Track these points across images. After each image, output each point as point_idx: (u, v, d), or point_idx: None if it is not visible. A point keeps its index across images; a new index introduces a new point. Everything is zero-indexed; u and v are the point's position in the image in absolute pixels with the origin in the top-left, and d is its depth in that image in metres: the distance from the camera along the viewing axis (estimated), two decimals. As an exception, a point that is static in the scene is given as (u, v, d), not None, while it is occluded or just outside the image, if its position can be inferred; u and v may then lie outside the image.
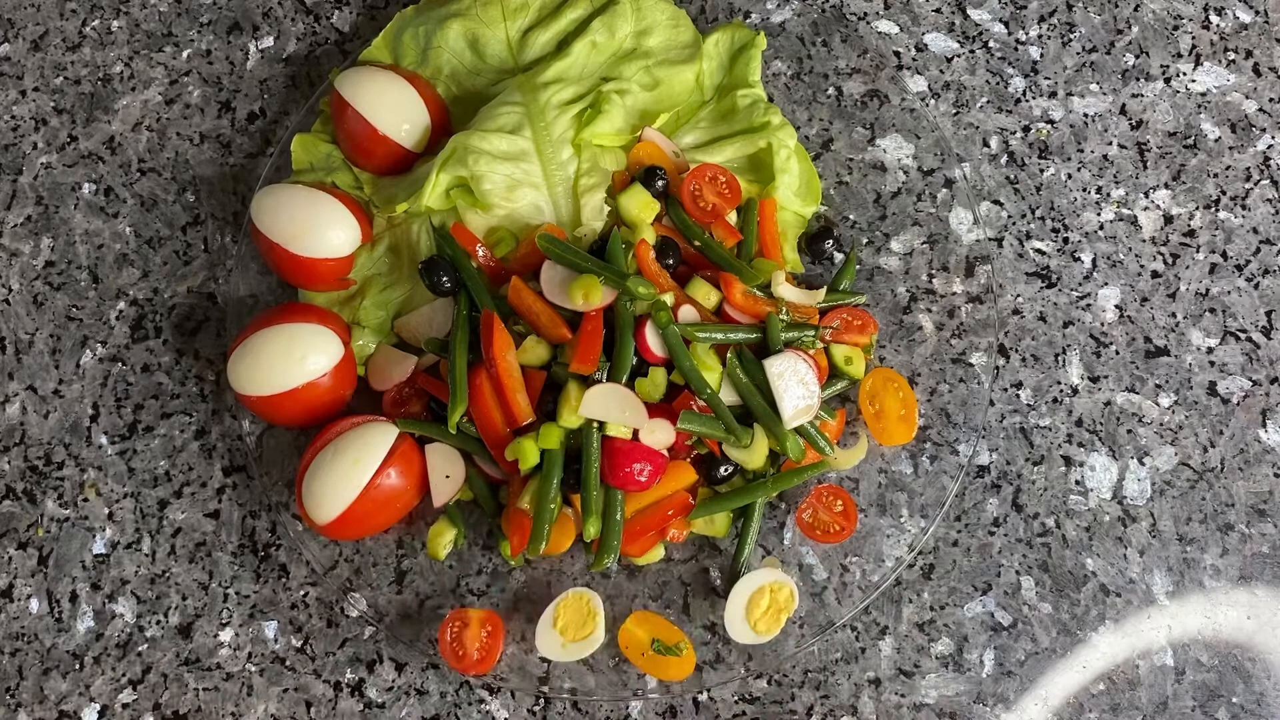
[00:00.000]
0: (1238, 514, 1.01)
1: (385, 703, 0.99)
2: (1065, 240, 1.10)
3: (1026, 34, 1.17)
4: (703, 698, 0.98)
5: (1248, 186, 1.11)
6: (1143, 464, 1.03)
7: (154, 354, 1.11)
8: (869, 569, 0.99)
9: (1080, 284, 1.08)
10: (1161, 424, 1.04)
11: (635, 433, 0.95)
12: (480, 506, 1.02)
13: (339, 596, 1.02)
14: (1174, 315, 1.07)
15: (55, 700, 1.02)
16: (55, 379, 1.11)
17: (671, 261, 1.02)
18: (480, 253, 1.03)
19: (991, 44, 1.17)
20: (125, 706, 1.01)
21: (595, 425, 0.95)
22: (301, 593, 1.03)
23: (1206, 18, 1.18)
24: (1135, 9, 1.18)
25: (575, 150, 1.06)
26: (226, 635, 1.02)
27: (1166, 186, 1.12)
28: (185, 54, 1.22)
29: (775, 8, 1.19)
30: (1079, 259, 1.09)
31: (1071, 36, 1.17)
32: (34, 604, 1.04)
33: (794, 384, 0.96)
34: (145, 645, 1.03)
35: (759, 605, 0.96)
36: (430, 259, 1.02)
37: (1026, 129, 1.14)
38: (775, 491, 0.99)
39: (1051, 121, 1.14)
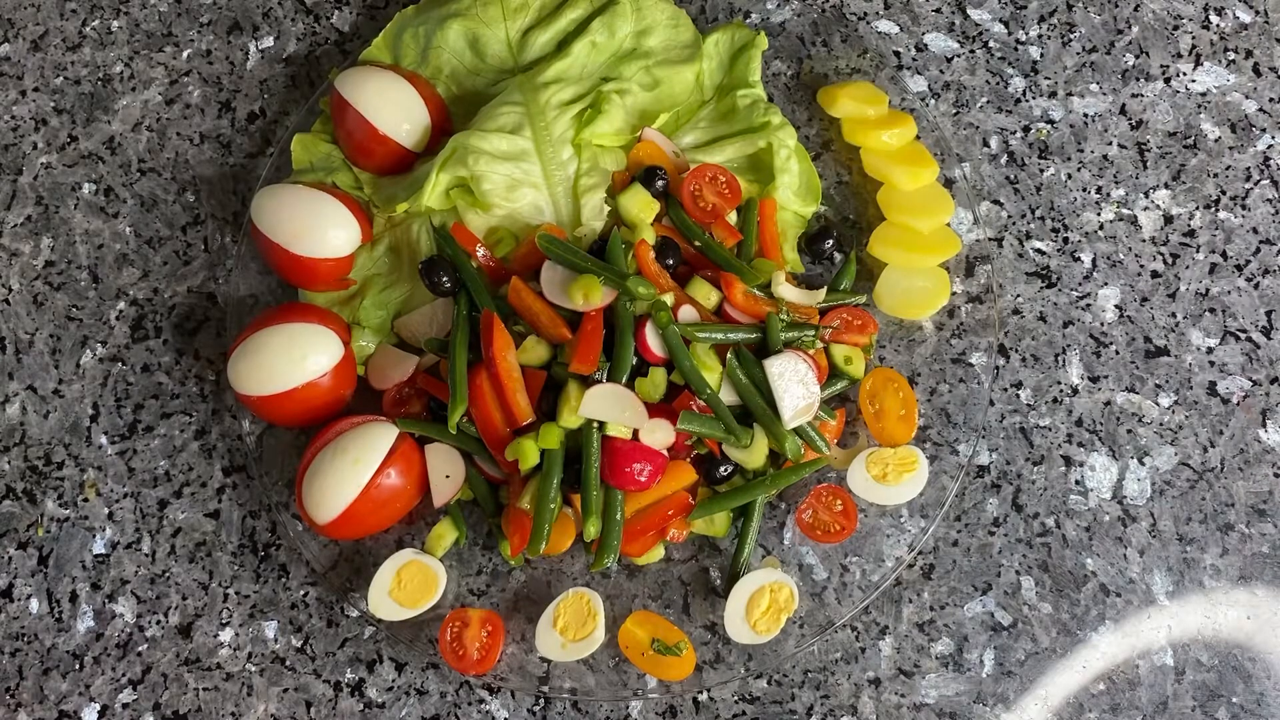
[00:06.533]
0: (1238, 514, 1.01)
1: (385, 703, 0.99)
2: (1065, 240, 1.10)
3: (1026, 34, 1.17)
4: (703, 698, 0.98)
5: (1248, 186, 1.11)
6: (1143, 464, 1.03)
7: (154, 354, 1.11)
8: (869, 569, 1.00)
9: (1080, 284, 1.08)
10: (1161, 424, 1.04)
11: (635, 433, 0.95)
12: (480, 506, 1.02)
13: (339, 596, 1.02)
14: (1174, 315, 1.07)
15: (55, 700, 1.02)
16: (55, 379, 1.11)
17: (671, 261, 1.02)
18: (480, 253, 1.03)
19: (991, 44, 1.17)
20: (125, 706, 1.01)
21: (595, 425, 0.95)
22: (301, 593, 1.03)
23: (1206, 18, 1.18)
24: (1135, 9, 1.18)
25: (575, 150, 1.06)
26: (226, 635, 1.02)
27: (1166, 186, 1.12)
28: (185, 54, 1.22)
29: (775, 8, 1.19)
30: (1079, 259, 1.09)
31: (1071, 36, 1.17)
32: (34, 604, 1.04)
33: (794, 384, 0.96)
34: (145, 645, 1.03)
35: (759, 605, 0.96)
36: (430, 259, 1.02)
37: (1026, 129, 1.14)
38: (775, 490, 0.99)
39: (1051, 121, 1.14)
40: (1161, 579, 1.00)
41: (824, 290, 1.03)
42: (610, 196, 1.05)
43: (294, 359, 0.99)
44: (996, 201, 1.11)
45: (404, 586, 0.98)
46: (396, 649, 1.01)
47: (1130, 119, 1.14)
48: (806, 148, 1.12)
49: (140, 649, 1.03)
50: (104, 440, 1.09)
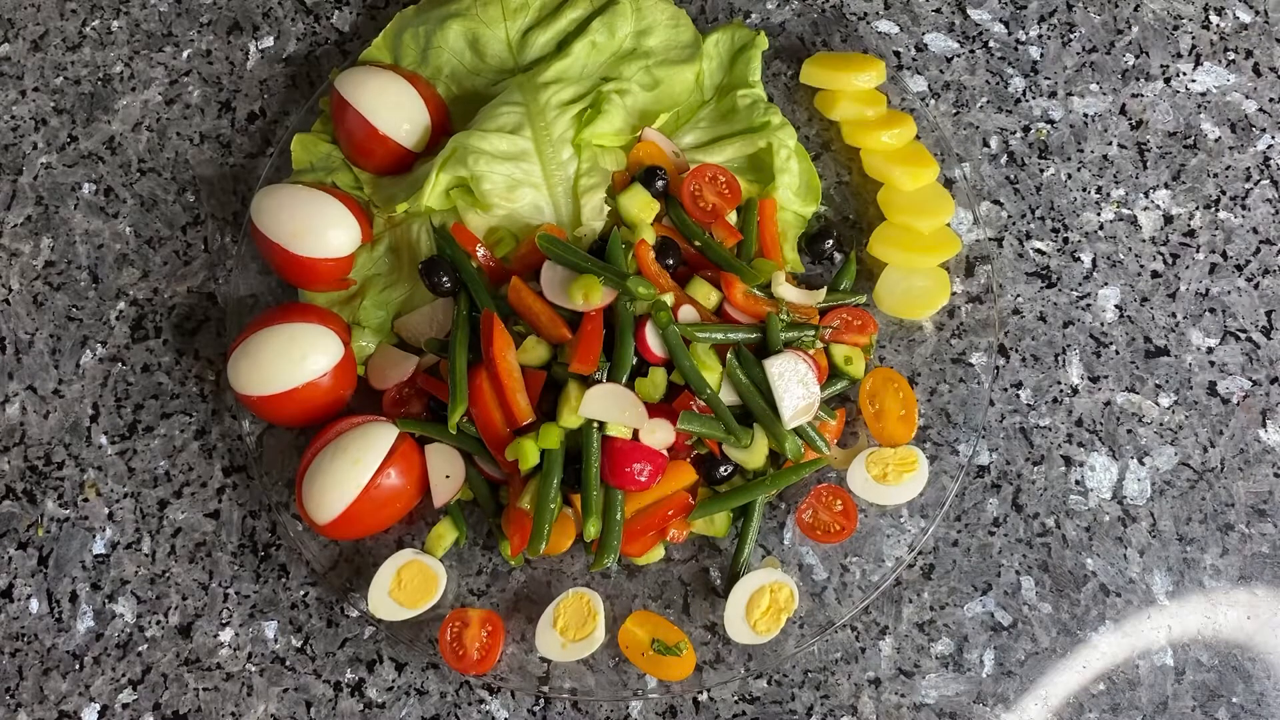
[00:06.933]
0: (1238, 514, 1.01)
1: (385, 703, 0.99)
2: (1065, 240, 1.10)
3: (1026, 34, 1.17)
4: (703, 698, 0.98)
5: (1248, 186, 1.11)
6: (1143, 464, 1.03)
7: (154, 354, 1.11)
8: (869, 569, 1.00)
9: (1080, 284, 1.08)
10: (1161, 424, 1.04)
11: (635, 433, 0.95)
12: (480, 506, 1.02)
13: (339, 596, 1.02)
14: (1174, 315, 1.07)
15: (55, 700, 1.02)
16: (55, 379, 1.11)
17: (671, 261, 1.02)
18: (480, 253, 1.03)
19: (991, 44, 1.17)
20: (125, 706, 1.01)
21: (595, 425, 0.95)
22: (301, 593, 1.03)
23: (1206, 18, 1.18)
24: (1135, 9, 1.18)
25: (575, 150, 1.06)
26: (226, 635, 1.02)
27: (1166, 186, 1.12)
28: (185, 54, 1.22)
29: (775, 8, 1.19)
30: (1079, 259, 1.09)
31: (1071, 36, 1.17)
32: (34, 604, 1.04)
33: (794, 384, 0.96)
34: (145, 645, 1.03)
35: (759, 605, 0.96)
36: (430, 259, 1.02)
37: (1026, 129, 1.14)
38: (775, 490, 0.99)
39: (1051, 121, 1.14)
40: (1161, 579, 1.00)
41: (824, 290, 1.03)
42: (610, 196, 1.05)
43: (294, 359, 0.99)
44: (996, 201, 1.11)
45: (404, 586, 0.98)
46: (396, 649, 1.01)
47: (1130, 119, 1.14)
48: (806, 148, 1.12)
49: (140, 649, 1.02)
50: (104, 440, 1.09)
